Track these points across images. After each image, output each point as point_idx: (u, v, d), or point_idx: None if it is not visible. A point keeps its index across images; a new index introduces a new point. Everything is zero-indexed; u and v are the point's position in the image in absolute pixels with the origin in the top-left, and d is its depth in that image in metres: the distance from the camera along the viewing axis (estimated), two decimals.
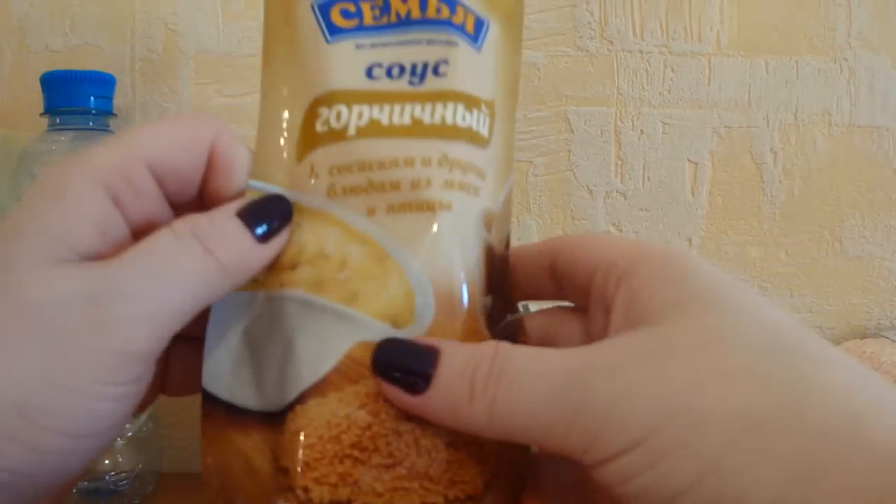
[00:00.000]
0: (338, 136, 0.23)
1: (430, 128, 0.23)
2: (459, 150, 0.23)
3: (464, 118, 0.23)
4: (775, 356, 0.16)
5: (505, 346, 0.19)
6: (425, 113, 0.23)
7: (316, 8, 0.24)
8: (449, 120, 0.23)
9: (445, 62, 0.23)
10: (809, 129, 0.51)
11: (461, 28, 0.24)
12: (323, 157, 0.23)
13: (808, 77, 0.51)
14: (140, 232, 0.21)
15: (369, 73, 0.23)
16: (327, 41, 0.23)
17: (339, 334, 0.21)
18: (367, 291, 0.21)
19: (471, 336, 0.22)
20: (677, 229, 0.52)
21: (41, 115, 0.43)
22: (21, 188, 0.42)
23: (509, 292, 0.25)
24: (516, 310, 0.25)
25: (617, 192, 0.51)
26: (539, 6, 0.51)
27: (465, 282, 0.22)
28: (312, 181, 0.23)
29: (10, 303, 0.18)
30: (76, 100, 0.42)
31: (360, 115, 0.23)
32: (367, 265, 0.22)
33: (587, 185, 0.51)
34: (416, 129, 0.23)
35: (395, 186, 0.22)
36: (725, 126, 0.51)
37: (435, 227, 0.22)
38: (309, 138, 0.23)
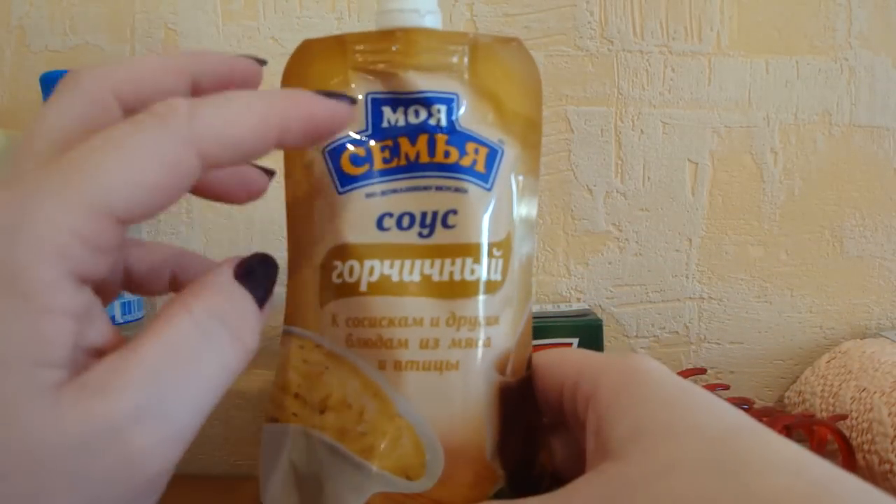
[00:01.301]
0: (351, 290, 0.24)
1: (439, 286, 0.23)
2: (468, 307, 0.23)
3: (472, 272, 0.24)
4: (720, 476, 0.17)
5: None
6: (434, 270, 0.23)
7: (327, 154, 0.24)
8: (457, 276, 0.23)
9: (454, 212, 0.24)
10: (809, 129, 0.51)
11: (470, 170, 0.24)
12: (340, 308, 0.24)
13: (808, 77, 0.51)
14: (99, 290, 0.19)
15: (380, 224, 0.24)
16: (339, 192, 0.24)
17: (360, 484, 0.23)
18: (382, 448, 0.23)
19: (479, 481, 0.23)
20: (677, 229, 0.52)
21: None
22: None
23: (535, 410, 0.25)
24: (543, 425, 0.26)
25: (617, 192, 0.52)
26: (539, 6, 0.51)
27: (472, 432, 0.23)
28: (334, 329, 0.24)
29: (30, 452, 0.16)
30: None
31: (372, 270, 0.23)
32: (380, 421, 0.23)
33: (587, 185, 0.52)
34: (425, 288, 0.23)
35: (403, 344, 0.23)
36: (725, 126, 0.51)
37: (442, 387, 0.23)
38: (327, 288, 0.24)
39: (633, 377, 0.21)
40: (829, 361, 0.47)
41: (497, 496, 0.23)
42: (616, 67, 0.51)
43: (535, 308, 0.48)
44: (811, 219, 0.52)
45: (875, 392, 0.40)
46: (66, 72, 0.41)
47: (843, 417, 0.41)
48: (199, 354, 0.18)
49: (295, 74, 0.25)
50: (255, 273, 0.21)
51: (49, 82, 0.42)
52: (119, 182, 0.17)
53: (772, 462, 0.17)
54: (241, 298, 0.20)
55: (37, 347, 0.16)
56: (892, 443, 0.38)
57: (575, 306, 0.49)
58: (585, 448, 0.22)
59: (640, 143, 0.51)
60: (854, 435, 0.41)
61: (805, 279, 0.52)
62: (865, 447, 0.40)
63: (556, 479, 0.25)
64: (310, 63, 0.25)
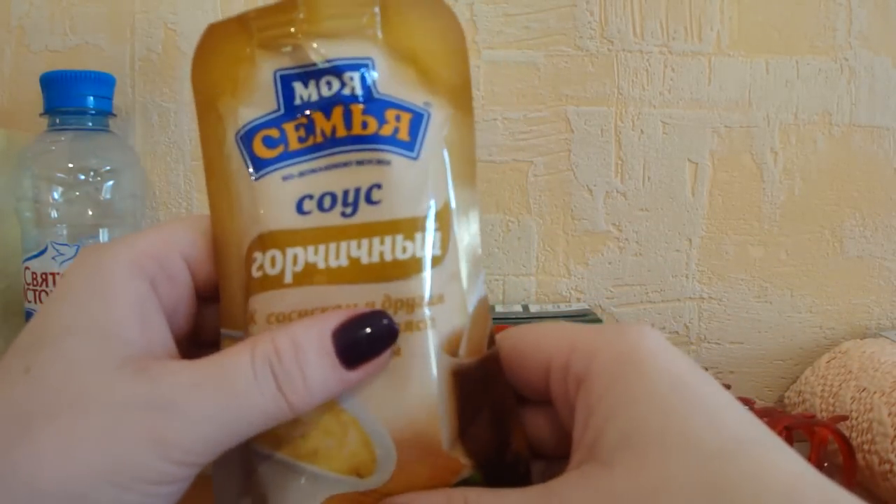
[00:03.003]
0: (274, 283, 0.22)
1: (369, 268, 0.21)
2: (404, 288, 0.22)
3: (404, 249, 0.22)
4: (710, 503, 0.17)
5: (473, 499, 0.20)
6: (362, 251, 0.22)
7: (239, 140, 0.23)
8: (388, 256, 0.22)
9: (378, 186, 0.22)
10: (809, 129, 0.51)
11: (392, 140, 0.22)
12: (261, 304, 0.22)
13: (808, 77, 0.51)
14: (169, 316, 0.22)
15: (300, 208, 0.22)
16: (253, 178, 0.22)
17: (309, 491, 0.22)
18: (328, 448, 0.21)
19: (439, 475, 0.22)
20: (677, 229, 0.52)
21: (41, 115, 0.43)
22: (21, 188, 0.42)
23: (503, 391, 0.24)
24: (515, 406, 0.24)
25: (617, 192, 0.51)
26: (539, 6, 0.51)
27: (424, 422, 0.22)
28: (252, 327, 0.22)
29: (74, 406, 0.19)
30: (76, 100, 0.42)
31: (295, 259, 0.22)
32: (321, 419, 0.21)
33: (587, 185, 0.51)
34: (354, 272, 0.22)
35: None
36: (725, 126, 0.51)
37: (385, 377, 0.21)
38: (249, 282, 0.22)
39: (628, 363, 0.20)
40: (829, 361, 0.47)
41: (465, 485, 0.22)
42: (616, 67, 0.51)
43: (535, 308, 0.48)
44: (811, 219, 0.52)
45: (875, 392, 0.40)
46: (65, 72, 0.42)
47: (844, 418, 0.41)
48: (241, 391, 0.19)
49: (201, 63, 0.23)
50: (354, 333, 0.21)
51: (49, 82, 0.42)
52: (184, 231, 0.23)
53: (765, 488, 0.17)
54: (316, 355, 0.20)
55: (105, 319, 0.20)
56: (892, 443, 0.38)
57: (575, 306, 0.49)
58: (572, 430, 0.21)
59: (640, 143, 0.51)
60: (854, 435, 0.41)
61: (805, 279, 0.52)
62: (865, 447, 0.40)
63: (536, 457, 0.23)
64: (214, 48, 0.23)
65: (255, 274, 0.22)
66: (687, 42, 0.51)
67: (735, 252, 0.52)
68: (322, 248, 0.22)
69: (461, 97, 0.24)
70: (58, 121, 0.43)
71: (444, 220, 0.23)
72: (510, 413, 0.23)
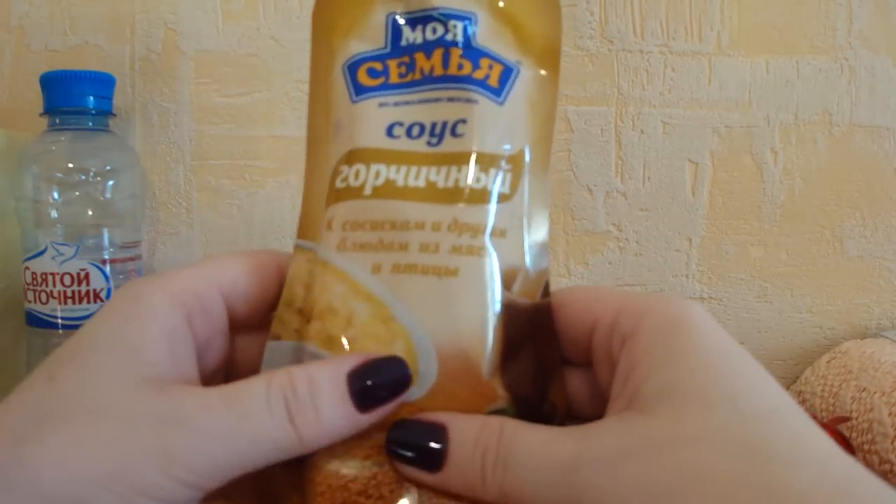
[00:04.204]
0: (354, 193, 0.23)
1: (443, 192, 0.23)
2: (471, 214, 0.23)
3: (478, 180, 0.23)
4: (748, 459, 0.17)
5: (509, 427, 0.20)
6: (440, 176, 0.24)
7: (346, 68, 0.25)
8: (462, 183, 0.23)
9: (464, 121, 0.24)
10: (810, 128, 0.51)
11: (482, 83, 0.24)
12: (339, 211, 0.24)
13: (808, 77, 0.51)
14: (201, 350, 0.23)
15: (390, 132, 0.24)
16: (352, 101, 0.25)
17: None
18: (374, 353, 0.22)
19: (474, 399, 0.22)
20: (677, 229, 0.52)
21: (41, 115, 0.43)
22: (21, 188, 0.42)
23: (550, 341, 0.24)
24: (560, 361, 0.24)
25: (617, 192, 0.51)
26: None
27: (469, 344, 0.22)
28: (326, 233, 0.24)
29: (89, 413, 0.19)
30: (76, 100, 0.42)
31: (378, 174, 0.24)
32: (372, 325, 0.22)
33: (587, 185, 0.51)
34: (430, 193, 0.23)
35: (404, 247, 0.23)
36: (726, 126, 0.51)
37: (439, 293, 0.23)
38: (332, 193, 0.24)
39: (676, 326, 0.20)
40: (829, 361, 0.47)
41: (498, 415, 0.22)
42: (616, 67, 0.51)
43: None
44: (811, 219, 0.52)
45: (875, 392, 0.40)
46: (65, 72, 0.42)
47: (846, 419, 0.41)
48: (254, 421, 0.20)
49: (324, 3, 0.26)
50: (371, 374, 0.21)
51: (49, 82, 0.42)
52: (224, 267, 0.23)
53: (801, 454, 0.17)
54: (330, 392, 0.21)
55: (135, 340, 0.20)
56: (892, 443, 0.38)
57: None
58: (610, 387, 0.21)
59: (640, 143, 0.51)
60: (854, 435, 0.41)
61: (805, 279, 0.52)
62: (866, 447, 0.40)
63: (571, 418, 0.24)
64: None
65: (339, 185, 0.24)
66: (687, 42, 0.51)
67: (735, 252, 0.52)
68: (404, 168, 0.24)
69: (550, 61, 0.26)
70: (58, 121, 0.43)
71: (517, 165, 0.25)
72: (553, 366, 0.24)
